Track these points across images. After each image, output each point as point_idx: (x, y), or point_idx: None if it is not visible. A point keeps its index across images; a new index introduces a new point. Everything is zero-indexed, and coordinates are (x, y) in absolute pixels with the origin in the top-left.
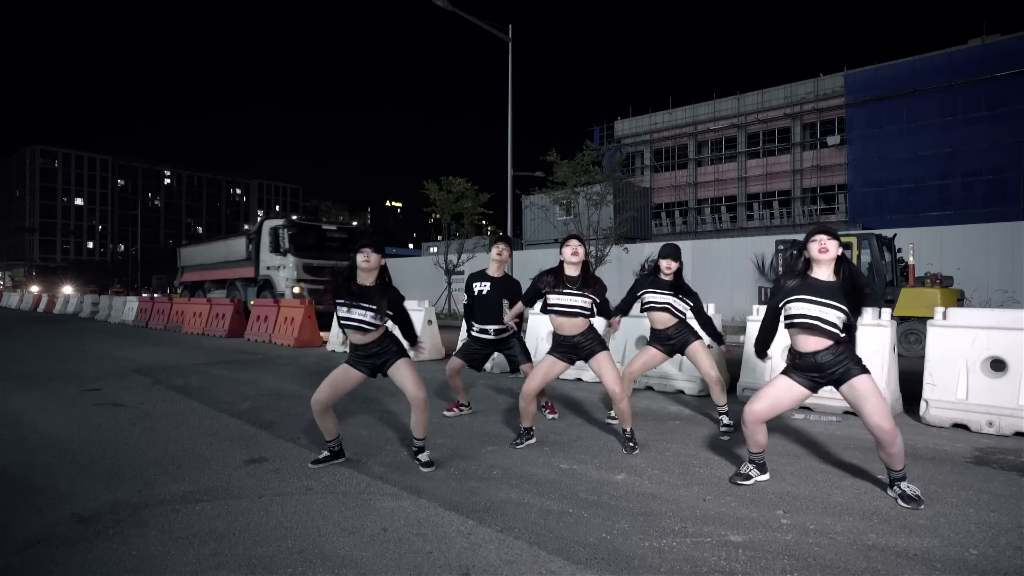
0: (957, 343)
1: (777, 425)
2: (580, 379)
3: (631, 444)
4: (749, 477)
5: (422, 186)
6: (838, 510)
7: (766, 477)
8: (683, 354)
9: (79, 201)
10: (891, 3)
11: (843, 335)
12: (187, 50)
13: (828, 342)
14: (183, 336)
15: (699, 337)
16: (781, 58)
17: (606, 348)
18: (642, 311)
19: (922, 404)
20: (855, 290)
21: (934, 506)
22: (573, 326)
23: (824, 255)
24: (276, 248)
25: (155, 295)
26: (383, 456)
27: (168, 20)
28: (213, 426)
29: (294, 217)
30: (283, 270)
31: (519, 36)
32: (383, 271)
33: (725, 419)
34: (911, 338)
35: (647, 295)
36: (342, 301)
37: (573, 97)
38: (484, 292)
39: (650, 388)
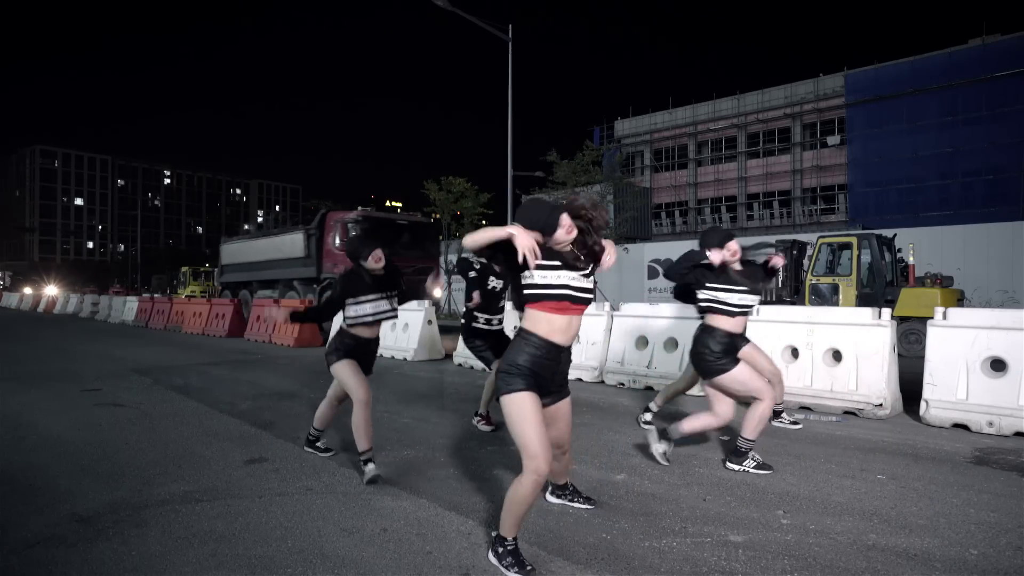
0: (957, 343)
1: (777, 425)
2: (580, 379)
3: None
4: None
5: (422, 186)
6: (838, 510)
7: (761, 467)
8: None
9: (79, 201)
10: (891, 3)
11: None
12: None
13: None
14: (183, 336)
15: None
16: (782, 57)
17: None
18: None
19: (922, 404)
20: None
21: (934, 506)
22: None
23: (735, 257)
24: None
25: (155, 295)
26: (383, 456)
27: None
28: (213, 426)
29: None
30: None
31: (519, 36)
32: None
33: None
34: (911, 338)
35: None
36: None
37: (573, 97)
38: (498, 289)
39: (650, 388)
